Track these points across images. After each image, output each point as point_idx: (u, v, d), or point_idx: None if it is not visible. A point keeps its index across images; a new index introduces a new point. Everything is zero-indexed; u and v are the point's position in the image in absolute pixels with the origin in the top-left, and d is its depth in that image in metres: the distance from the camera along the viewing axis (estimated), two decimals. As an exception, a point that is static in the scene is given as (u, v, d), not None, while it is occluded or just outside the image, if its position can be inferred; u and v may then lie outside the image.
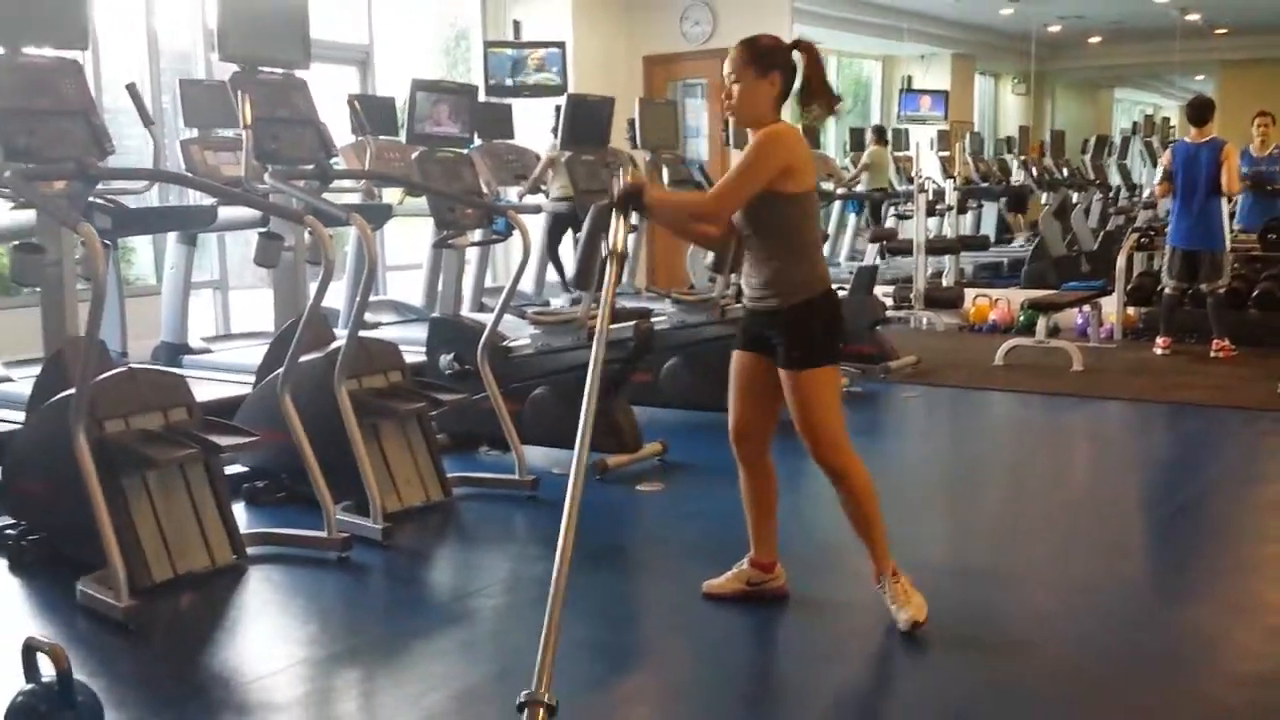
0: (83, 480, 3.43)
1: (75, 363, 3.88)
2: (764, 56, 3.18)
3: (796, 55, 3.21)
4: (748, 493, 3.42)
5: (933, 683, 3.04)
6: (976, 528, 4.44)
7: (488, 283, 7.93)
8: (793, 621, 3.41)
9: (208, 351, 6.71)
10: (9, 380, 5.88)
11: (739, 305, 5.86)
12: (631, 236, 5.05)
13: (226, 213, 6.39)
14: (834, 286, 3.30)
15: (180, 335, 6.81)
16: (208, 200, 6.01)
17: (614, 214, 3.04)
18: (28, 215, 5.26)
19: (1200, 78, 12.46)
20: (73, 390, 3.62)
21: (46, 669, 2.53)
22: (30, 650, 2.59)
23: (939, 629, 3.17)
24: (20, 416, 4.87)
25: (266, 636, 3.45)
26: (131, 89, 4.58)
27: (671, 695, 3.02)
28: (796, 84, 3.22)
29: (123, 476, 3.58)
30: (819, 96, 3.24)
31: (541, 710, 2.25)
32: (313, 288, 4.03)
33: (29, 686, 2.56)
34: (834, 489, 3.26)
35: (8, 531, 3.94)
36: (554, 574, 2.40)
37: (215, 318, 8.25)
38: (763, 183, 3.10)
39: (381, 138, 6.89)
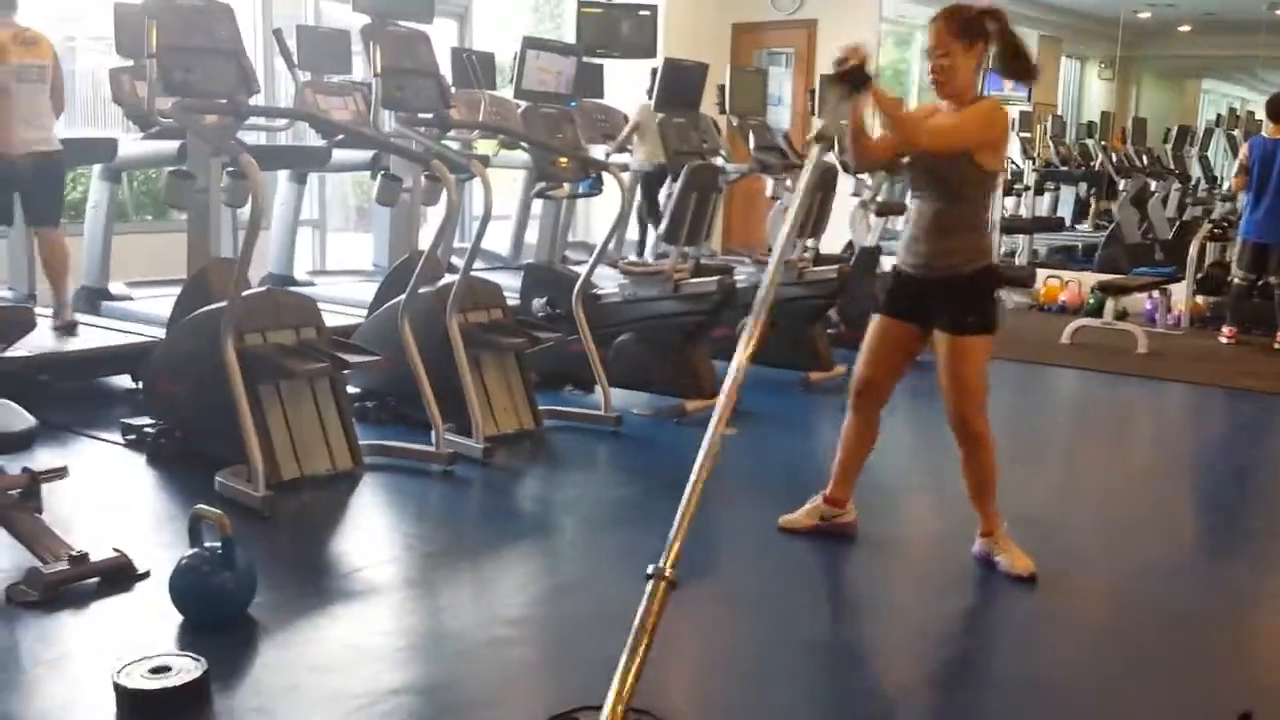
0: (227, 385, 3.84)
1: (218, 281, 4.32)
2: (969, 27, 3.24)
3: (990, 24, 3.26)
4: (852, 435, 3.68)
5: (984, 608, 3.36)
6: (1036, 486, 4.72)
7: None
8: (859, 553, 3.75)
9: (311, 285, 7.10)
10: (130, 299, 6.38)
11: (817, 269, 6.22)
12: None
13: (338, 155, 6.83)
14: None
15: (287, 268, 7.26)
16: (320, 141, 6.44)
17: (838, 88, 3.07)
18: (161, 145, 5.73)
19: (1290, 72, 12.40)
20: (218, 304, 4.05)
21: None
22: (197, 520, 3.01)
23: (978, 567, 3.49)
24: (146, 330, 5.37)
25: (381, 531, 3.87)
26: (278, 34, 4.95)
27: (745, 602, 3.37)
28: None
29: (259, 384, 4.00)
30: (1017, 63, 3.29)
31: (664, 583, 2.42)
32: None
33: (193, 551, 2.98)
34: (960, 451, 3.49)
35: (147, 429, 4.39)
36: (697, 463, 2.62)
37: (313, 255, 8.71)
38: (974, 143, 3.23)
39: (483, 92, 7.25)
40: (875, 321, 3.57)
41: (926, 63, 3.33)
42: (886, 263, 6.83)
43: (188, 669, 2.52)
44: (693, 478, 2.58)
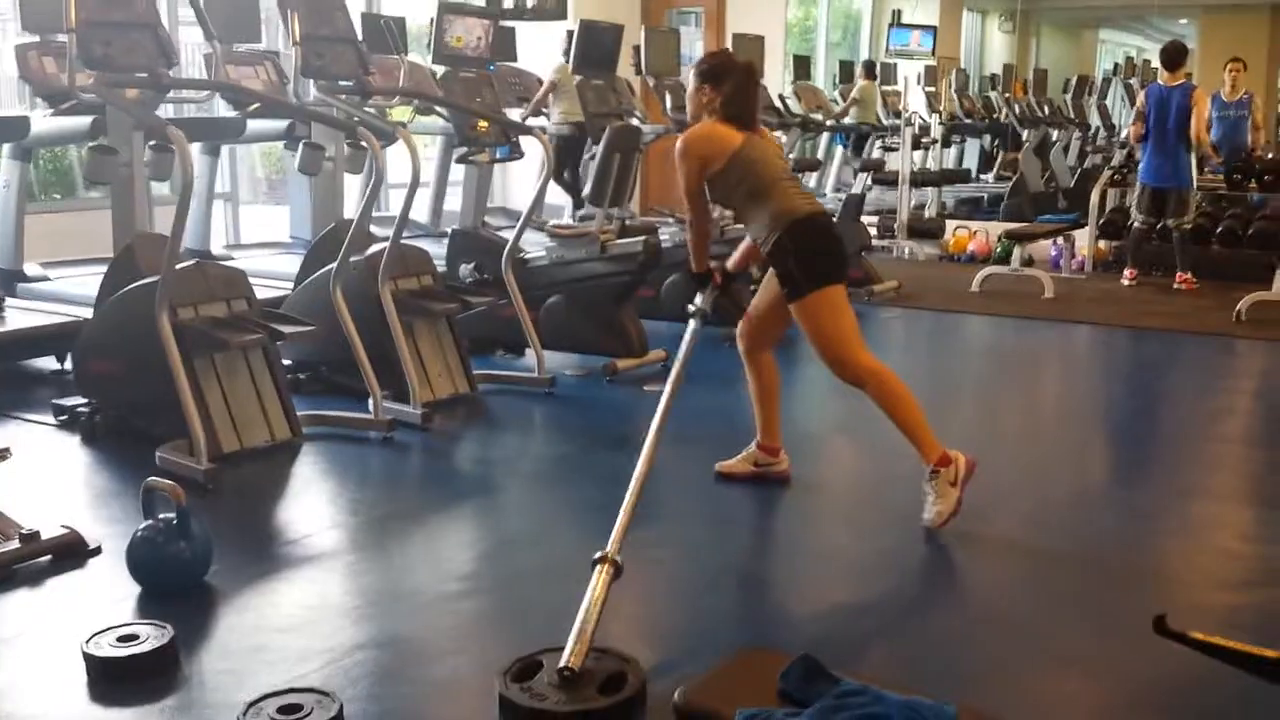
0: (162, 360, 3.85)
1: (145, 256, 4.30)
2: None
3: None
4: (750, 382, 3.87)
5: (902, 545, 3.53)
6: (952, 428, 4.91)
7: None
8: (794, 496, 3.90)
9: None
10: (46, 279, 6.28)
11: (738, 226, 6.34)
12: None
13: (252, 126, 6.75)
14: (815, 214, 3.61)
15: (204, 243, 7.18)
16: (232, 113, 6.36)
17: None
18: (73, 121, 5.64)
19: (1183, 21, 12.83)
20: (148, 280, 4.04)
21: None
22: (149, 491, 3.04)
23: (914, 510, 3.67)
24: (68, 310, 5.31)
25: (326, 498, 3.93)
26: (196, 5, 4.88)
27: (683, 544, 3.49)
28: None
29: (195, 358, 4.00)
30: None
31: (609, 566, 2.63)
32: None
33: (148, 522, 3.01)
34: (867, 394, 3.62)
35: (80, 409, 4.36)
36: (642, 457, 2.80)
37: (226, 229, 8.59)
38: (695, 183, 3.59)
39: (391, 57, 7.20)
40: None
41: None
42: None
43: (155, 636, 2.57)
44: (636, 473, 2.75)
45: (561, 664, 2.37)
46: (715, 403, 4.90)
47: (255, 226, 8.81)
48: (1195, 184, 8.10)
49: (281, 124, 6.79)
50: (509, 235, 5.38)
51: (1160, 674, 2.61)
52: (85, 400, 4.39)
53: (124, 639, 2.56)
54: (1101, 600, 3.09)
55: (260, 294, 4.60)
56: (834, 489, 4.15)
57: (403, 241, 4.82)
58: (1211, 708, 2.50)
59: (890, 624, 2.99)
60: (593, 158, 5.57)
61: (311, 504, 3.88)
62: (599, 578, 2.60)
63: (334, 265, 4.45)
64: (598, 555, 2.66)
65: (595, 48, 6.87)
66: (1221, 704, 2.48)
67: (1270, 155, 9.00)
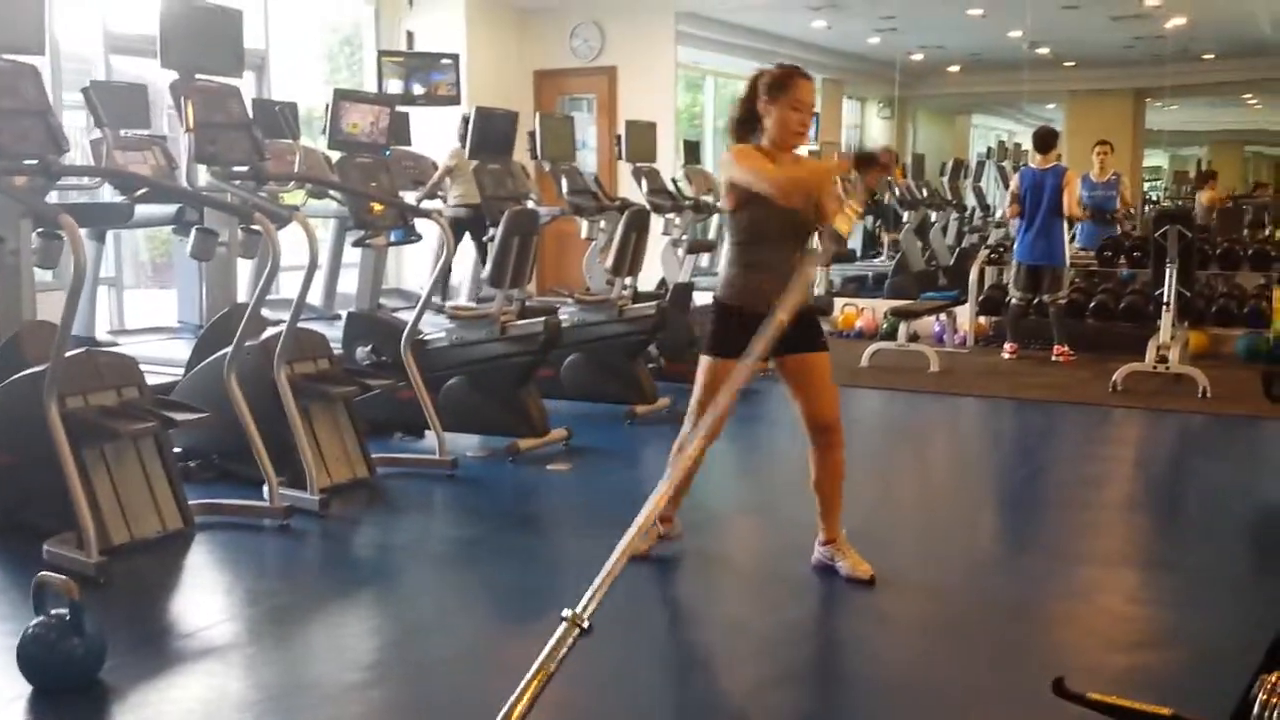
0: (50, 451, 3.74)
1: (32, 345, 4.19)
2: None
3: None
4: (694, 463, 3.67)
5: (824, 612, 3.59)
6: (853, 499, 5.00)
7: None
8: (700, 572, 3.94)
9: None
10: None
11: (636, 306, 6.43)
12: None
13: (140, 211, 6.65)
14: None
15: (89, 329, 7.01)
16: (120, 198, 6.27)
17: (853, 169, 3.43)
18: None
19: (1051, 106, 13.48)
20: (34, 369, 3.93)
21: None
22: (40, 586, 2.94)
23: (814, 577, 3.73)
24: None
25: (221, 589, 3.83)
26: (87, 93, 4.84)
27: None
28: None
29: (84, 448, 3.89)
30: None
31: (576, 629, 2.43)
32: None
33: (39, 619, 2.90)
34: (820, 458, 3.76)
35: (-38, 502, 4.19)
36: (632, 528, 2.66)
37: (110, 314, 8.39)
38: None
39: (283, 141, 7.20)
40: (713, 364, 3.65)
41: (790, 113, 3.59)
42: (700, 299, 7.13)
43: (46, 738, 2.47)
44: (621, 544, 2.62)
45: None
46: (603, 483, 4.93)
47: (141, 312, 8.63)
48: (1069, 262, 8.48)
49: (170, 209, 6.71)
50: (406, 316, 5.37)
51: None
52: (-36, 494, 4.21)
53: (14, 743, 2.45)
54: (1001, 663, 3.18)
55: (149, 380, 4.52)
56: (737, 562, 4.19)
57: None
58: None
59: (802, 696, 3.02)
60: (491, 240, 5.61)
61: (207, 595, 3.78)
62: (562, 640, 2.44)
63: (229, 350, 4.38)
64: (566, 613, 2.48)
65: (492, 133, 6.96)
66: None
67: (1137, 232, 9.47)
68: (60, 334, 3.70)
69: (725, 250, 3.76)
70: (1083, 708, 2.43)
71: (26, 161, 4.04)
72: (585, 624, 2.45)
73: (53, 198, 6.89)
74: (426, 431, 5.35)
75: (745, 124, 3.66)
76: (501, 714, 2.30)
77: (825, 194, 3.51)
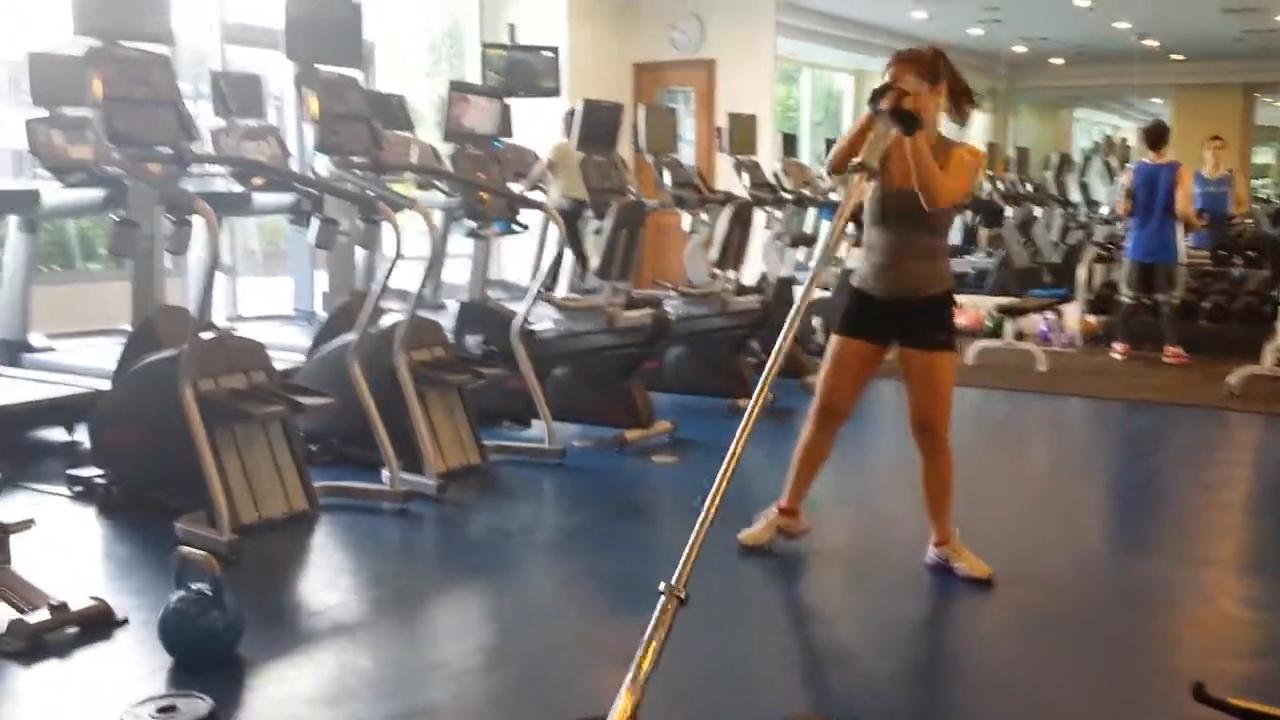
0: (182, 431, 3.87)
1: (166, 328, 4.33)
2: (933, 70, 3.49)
3: (944, 67, 3.55)
4: (812, 450, 3.85)
5: (941, 609, 3.56)
6: (964, 498, 4.95)
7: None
8: (819, 565, 3.94)
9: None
10: (52, 350, 6.28)
11: (739, 300, 6.43)
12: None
13: (257, 199, 6.81)
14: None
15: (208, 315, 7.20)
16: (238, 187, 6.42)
17: (888, 122, 3.09)
18: (84, 194, 5.70)
19: (1157, 100, 13.15)
20: (168, 352, 4.07)
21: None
22: (181, 562, 3.05)
23: (929, 575, 3.71)
24: (79, 380, 5.32)
25: (347, 569, 3.93)
26: (215, 82, 4.96)
27: (714, 617, 3.50)
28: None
29: (216, 429, 4.02)
30: (964, 105, 3.62)
31: (675, 600, 2.43)
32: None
33: (181, 593, 3.01)
34: (923, 460, 3.74)
35: (96, 480, 4.36)
36: (711, 491, 2.67)
37: (227, 301, 8.60)
38: (969, 193, 3.56)
39: (398, 133, 7.33)
40: (837, 343, 3.75)
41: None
42: (797, 292, 7.09)
43: (195, 707, 2.57)
44: (706, 504, 2.64)
45: None
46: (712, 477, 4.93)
47: (252, 299, 8.85)
48: (1183, 260, 8.27)
49: (286, 198, 6.87)
50: (513, 307, 5.44)
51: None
52: (101, 471, 4.38)
53: (164, 710, 2.55)
54: (1120, 667, 3.12)
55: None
56: (858, 556, 4.17)
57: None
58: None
59: (924, 693, 3.01)
60: (597, 232, 5.65)
61: (333, 575, 3.88)
62: (663, 613, 2.44)
63: (351, 336, 4.49)
64: (663, 586, 2.48)
65: (597, 125, 6.99)
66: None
67: (1251, 232, 9.20)
68: (198, 317, 3.83)
69: None
70: (1221, 713, 2.39)
71: (160, 149, 4.16)
72: (682, 594, 2.44)
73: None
74: (533, 420, 5.41)
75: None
76: (627, 677, 2.31)
77: (869, 148, 3.08)
